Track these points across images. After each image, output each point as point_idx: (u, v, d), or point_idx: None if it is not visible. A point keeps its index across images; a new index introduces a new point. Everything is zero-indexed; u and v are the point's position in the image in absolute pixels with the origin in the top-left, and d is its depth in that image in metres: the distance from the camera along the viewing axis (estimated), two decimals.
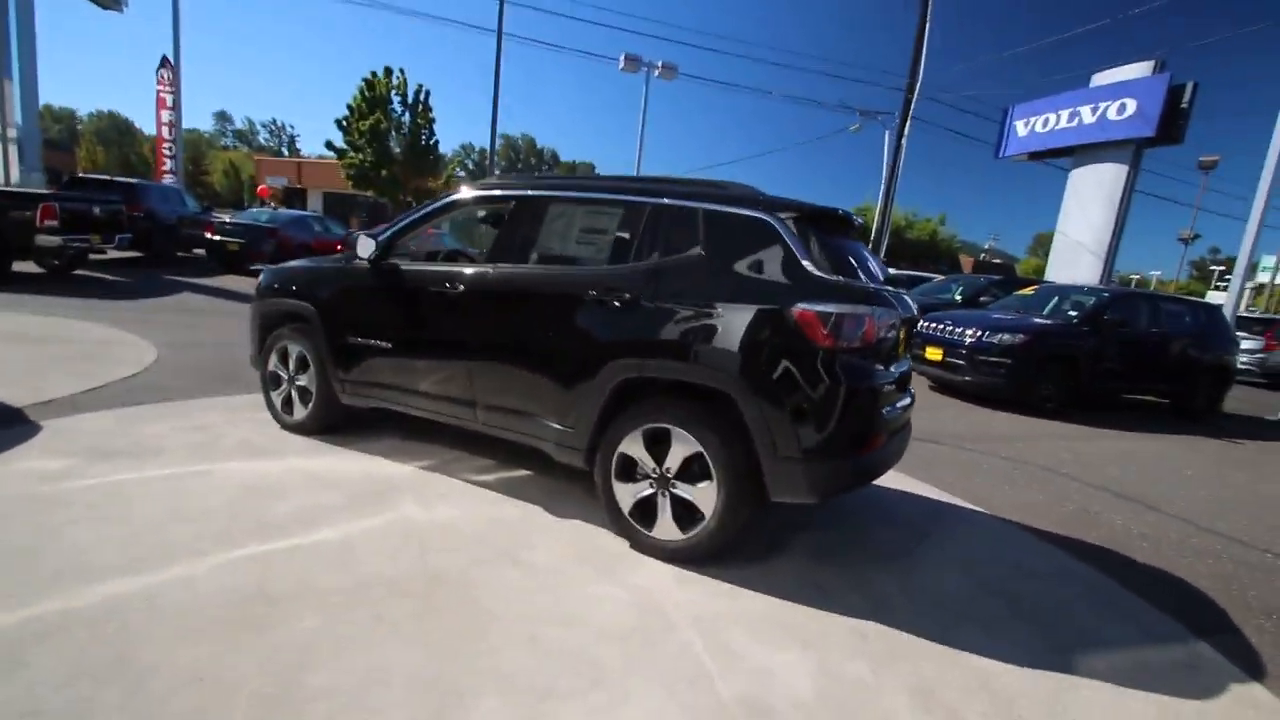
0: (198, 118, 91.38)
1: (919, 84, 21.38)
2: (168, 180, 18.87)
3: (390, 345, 3.48)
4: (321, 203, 35.74)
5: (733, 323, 2.57)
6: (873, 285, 2.76)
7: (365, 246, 3.48)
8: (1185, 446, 6.71)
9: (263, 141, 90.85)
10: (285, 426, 4.03)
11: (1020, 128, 21.32)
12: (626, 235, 2.93)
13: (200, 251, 14.33)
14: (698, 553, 2.71)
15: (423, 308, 3.38)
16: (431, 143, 27.73)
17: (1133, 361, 8.13)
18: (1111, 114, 18.63)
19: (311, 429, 3.94)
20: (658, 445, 2.75)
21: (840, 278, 2.59)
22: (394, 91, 26.47)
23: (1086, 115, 19.33)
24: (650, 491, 2.79)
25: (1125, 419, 7.84)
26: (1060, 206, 19.91)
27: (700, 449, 2.63)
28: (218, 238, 13.43)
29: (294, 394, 3.96)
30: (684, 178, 3.15)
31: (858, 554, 3.08)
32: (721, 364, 2.57)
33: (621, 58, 22.15)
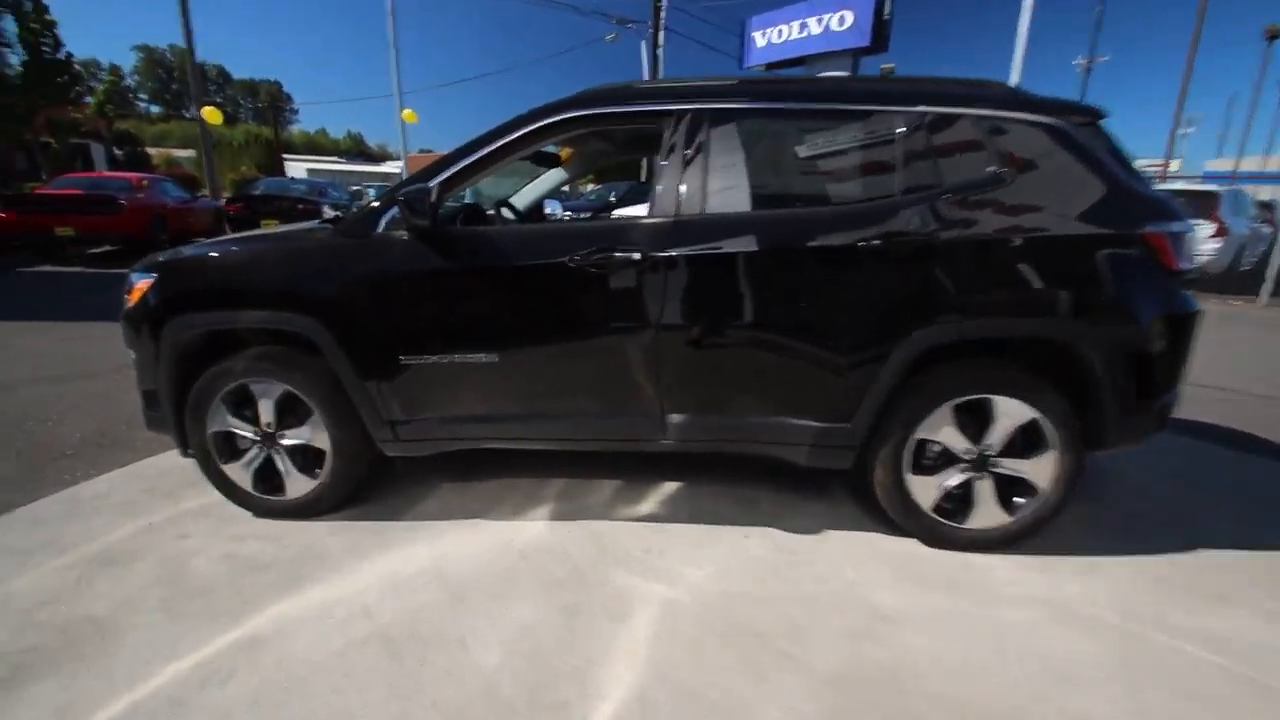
0: None
1: None
2: None
3: (494, 357, 2.24)
4: None
5: (1068, 257, 2.07)
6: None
7: (418, 206, 2.10)
8: None
9: None
10: (268, 514, 2.49)
11: (759, 39, 22.77)
12: (883, 158, 2.17)
13: None
14: (1017, 536, 2.30)
15: (560, 290, 2.19)
16: (62, 57, 20.02)
17: None
18: (834, 25, 20.82)
19: (327, 505, 2.49)
20: (969, 421, 2.21)
21: (1151, 190, 2.23)
22: None
23: (814, 27, 21.33)
24: (962, 478, 2.25)
25: None
26: None
27: (1035, 414, 2.15)
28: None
29: (282, 461, 2.42)
30: (909, 76, 2.42)
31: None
32: (1062, 309, 2.08)
33: None
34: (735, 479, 2.83)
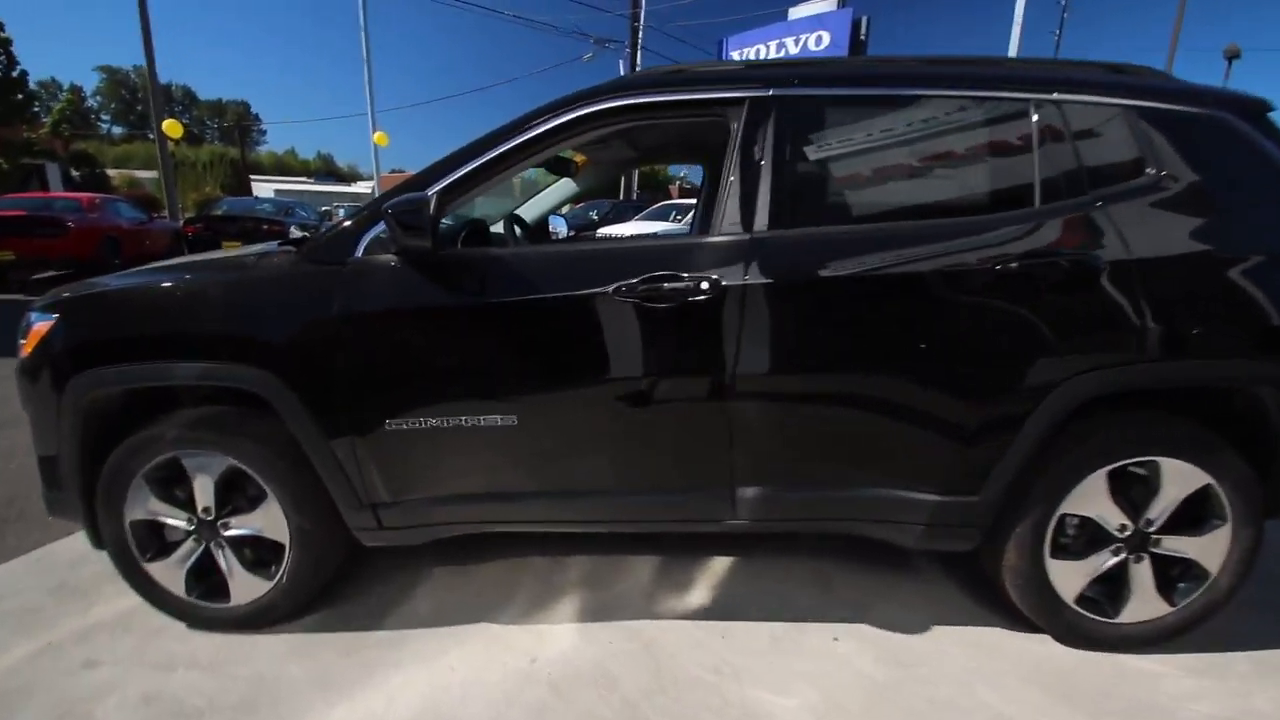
0: None
1: (643, 11, 21.40)
2: None
3: (512, 418, 1.69)
4: None
5: (1257, 282, 1.62)
6: None
7: (413, 222, 1.57)
8: None
9: None
10: (209, 625, 1.89)
11: (736, 58, 22.83)
12: (1015, 159, 1.70)
13: None
14: (1176, 630, 1.81)
15: (600, 330, 1.66)
16: (16, 75, 19.06)
17: None
18: (811, 45, 20.89)
19: (286, 612, 1.90)
20: (1126, 490, 1.73)
21: None
22: None
23: (791, 46, 21.36)
24: (1116, 561, 1.76)
25: None
26: None
27: (1209, 479, 1.68)
28: None
29: (225, 557, 1.84)
30: (1037, 58, 1.97)
31: None
32: (1249, 347, 1.63)
33: None
34: (789, 544, 2.31)
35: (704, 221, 3.14)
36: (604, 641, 1.84)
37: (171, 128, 12.16)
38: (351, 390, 1.68)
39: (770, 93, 1.71)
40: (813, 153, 1.70)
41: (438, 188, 1.70)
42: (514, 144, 1.73)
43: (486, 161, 1.73)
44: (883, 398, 1.67)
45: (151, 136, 14.16)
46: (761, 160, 1.68)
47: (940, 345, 1.63)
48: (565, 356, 1.69)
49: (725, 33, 23.41)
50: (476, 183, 1.76)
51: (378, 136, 17.90)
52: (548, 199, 2.87)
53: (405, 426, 1.70)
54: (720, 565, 2.22)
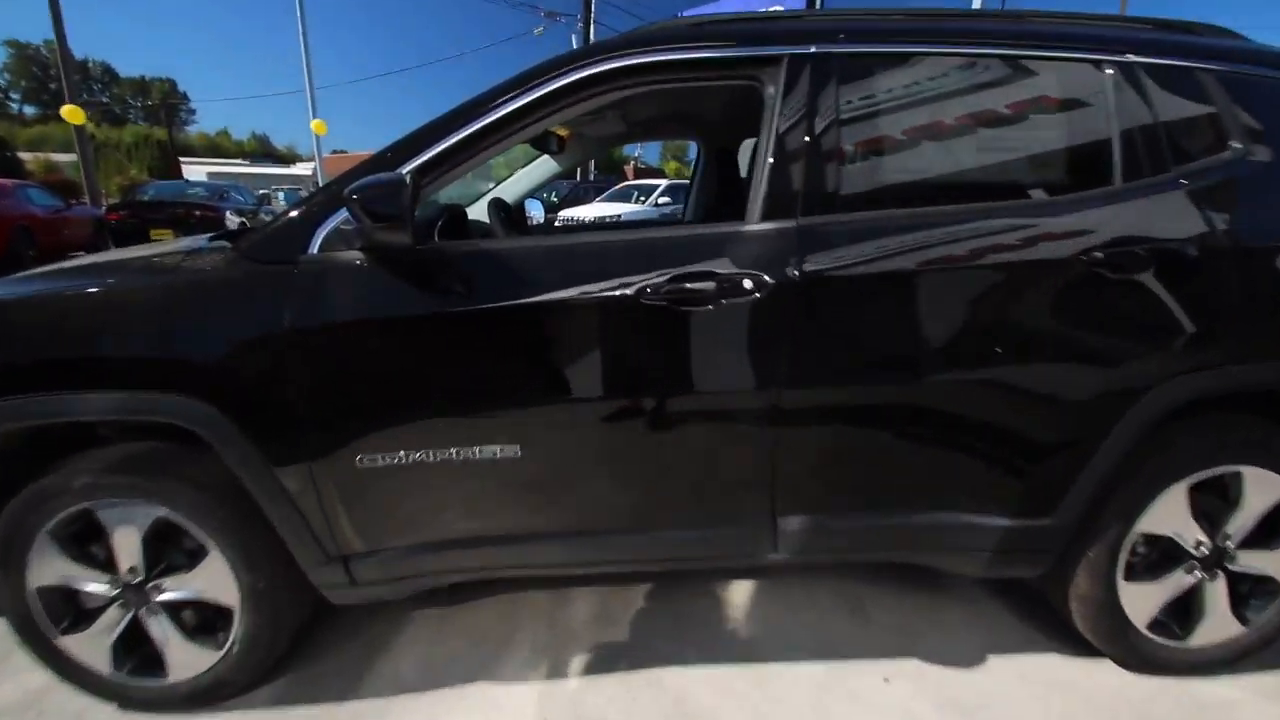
0: None
1: None
2: None
3: (515, 448, 1.39)
4: None
5: None
6: None
7: (385, 209, 1.24)
8: None
9: None
10: (144, 705, 1.56)
11: None
12: (1090, 130, 1.47)
13: None
14: (1246, 651, 1.67)
15: (620, 338, 1.38)
16: None
17: None
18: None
19: (239, 686, 1.57)
20: (1203, 503, 1.56)
21: None
22: None
23: None
24: (1192, 580, 1.59)
25: None
26: None
27: None
28: None
29: (161, 625, 1.50)
30: (1099, 14, 1.75)
31: None
32: None
33: None
34: (812, 564, 2.09)
35: (698, 207, 2.87)
36: (625, 700, 1.58)
37: (72, 114, 11.11)
38: (310, 422, 1.36)
39: (813, 50, 1.43)
40: (864, 122, 1.44)
41: (412, 166, 1.38)
42: (502, 113, 1.41)
43: (471, 135, 1.41)
44: (950, 410, 1.44)
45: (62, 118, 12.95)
46: (806, 133, 1.41)
47: (1017, 348, 1.41)
48: (577, 372, 1.40)
49: (681, 6, 23.02)
50: (458, 161, 1.44)
51: (315, 124, 16.86)
52: (528, 179, 2.54)
53: (381, 463, 1.38)
54: (742, 594, 1.98)
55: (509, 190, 2.50)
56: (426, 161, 1.40)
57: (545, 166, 2.60)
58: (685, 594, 1.97)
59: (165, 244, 1.84)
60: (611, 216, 11.45)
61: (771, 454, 1.45)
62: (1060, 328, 1.40)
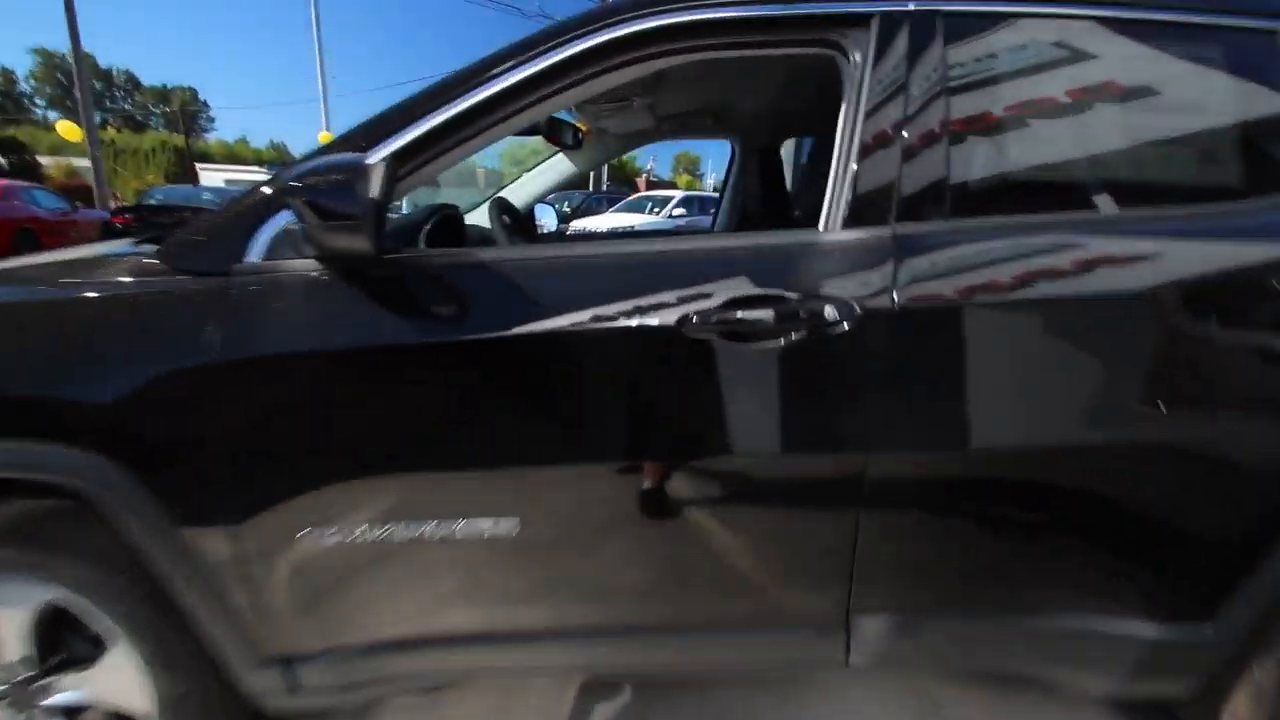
0: None
1: None
2: None
3: (512, 523, 1.05)
4: None
5: None
6: None
7: (344, 207, 0.91)
8: None
9: None
10: None
11: None
12: (1258, 111, 1.12)
13: None
14: None
15: (658, 382, 1.04)
16: None
17: None
18: None
19: None
20: None
21: None
22: None
23: None
24: None
25: None
26: None
27: None
28: None
29: None
30: None
31: None
32: None
33: None
34: None
35: (732, 215, 2.53)
36: None
37: (68, 131, 11.07)
38: (240, 485, 1.03)
39: (911, 6, 1.09)
40: (979, 99, 1.09)
41: (385, 152, 1.05)
42: (509, 83, 1.08)
43: (467, 110, 1.08)
44: (1095, 483, 1.09)
45: (81, 124, 12.89)
46: (904, 112, 1.07)
47: (1191, 403, 1.05)
48: (597, 425, 1.06)
49: None
50: (449, 144, 1.11)
51: (323, 136, 16.88)
52: (541, 179, 2.21)
53: (332, 539, 1.04)
54: (795, 687, 1.62)
55: (517, 193, 2.17)
56: (408, 144, 1.07)
57: (560, 167, 2.27)
58: (724, 688, 1.60)
59: (81, 249, 1.51)
60: (625, 228, 11.19)
61: (851, 535, 1.09)
62: (1257, 379, 1.05)
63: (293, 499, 1.04)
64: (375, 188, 0.96)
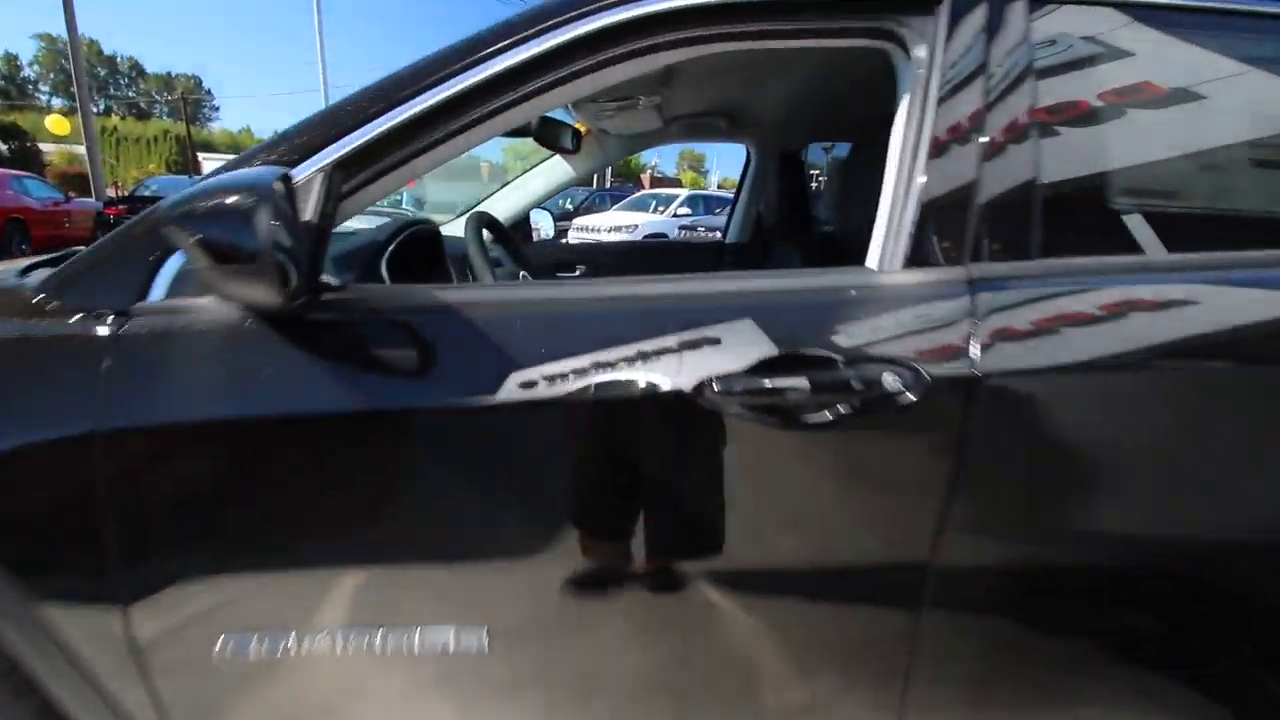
0: None
1: None
2: None
3: (480, 634, 0.83)
4: None
5: None
6: None
7: (235, 248, 0.67)
8: None
9: None
10: None
11: None
12: None
13: None
14: None
15: (678, 464, 0.82)
16: None
17: None
18: None
19: None
20: None
21: None
22: None
23: None
24: None
25: None
26: None
27: None
28: None
29: None
30: None
31: None
32: None
33: None
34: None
35: (746, 225, 2.31)
36: None
37: (56, 124, 10.91)
38: (137, 582, 0.81)
39: None
40: (1083, 111, 0.87)
41: (324, 161, 0.82)
42: (487, 74, 0.85)
43: (434, 107, 0.85)
44: (1221, 585, 0.87)
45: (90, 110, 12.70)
46: (980, 118, 0.84)
47: None
48: (586, 517, 0.84)
49: None
50: (410, 151, 0.88)
51: None
52: (532, 187, 1.97)
53: (253, 653, 0.83)
54: None
55: (504, 201, 1.93)
56: (353, 152, 0.84)
57: (557, 170, 2.04)
58: None
59: None
60: (629, 226, 10.96)
61: (907, 643, 0.87)
62: None
63: (201, 596, 0.82)
64: (311, 208, 0.74)
